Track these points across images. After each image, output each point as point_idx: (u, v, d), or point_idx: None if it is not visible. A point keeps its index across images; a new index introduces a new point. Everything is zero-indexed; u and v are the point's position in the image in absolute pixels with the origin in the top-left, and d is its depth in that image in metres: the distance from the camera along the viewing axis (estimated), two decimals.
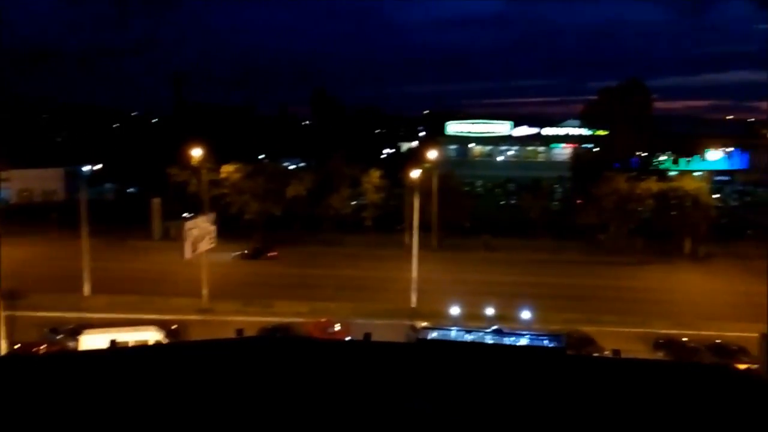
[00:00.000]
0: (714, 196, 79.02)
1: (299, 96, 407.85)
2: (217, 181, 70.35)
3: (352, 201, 77.53)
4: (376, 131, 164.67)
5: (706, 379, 26.81)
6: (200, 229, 51.92)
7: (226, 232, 63.20)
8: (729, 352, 39.31)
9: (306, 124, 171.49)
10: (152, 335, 40.47)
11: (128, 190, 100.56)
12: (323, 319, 45.76)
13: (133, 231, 73.40)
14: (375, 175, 76.27)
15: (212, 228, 53.46)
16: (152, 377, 17.72)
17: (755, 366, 33.41)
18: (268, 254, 67.04)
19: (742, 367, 35.75)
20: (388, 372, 25.85)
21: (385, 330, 41.68)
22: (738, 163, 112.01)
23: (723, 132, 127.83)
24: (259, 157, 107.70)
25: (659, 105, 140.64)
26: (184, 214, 62.25)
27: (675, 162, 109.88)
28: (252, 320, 45.47)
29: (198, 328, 44.99)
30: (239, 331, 38.87)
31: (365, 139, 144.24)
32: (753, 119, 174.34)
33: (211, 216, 54.34)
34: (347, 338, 41.88)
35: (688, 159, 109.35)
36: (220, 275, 54.93)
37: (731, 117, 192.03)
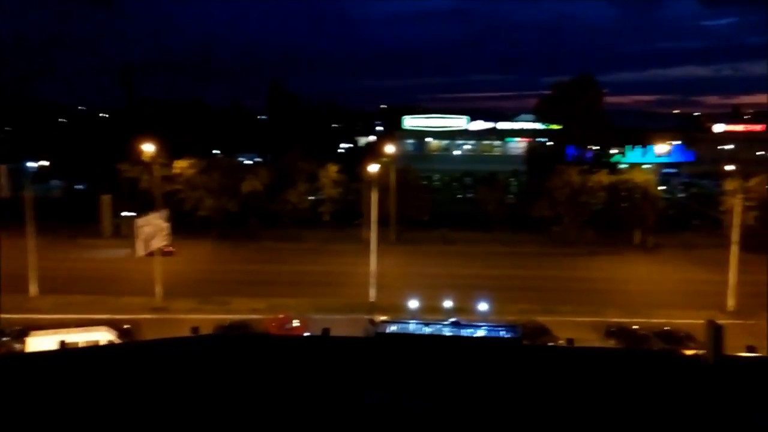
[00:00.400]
0: (661, 188, 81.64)
1: (254, 90, 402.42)
2: (170, 177, 68.75)
3: (310, 196, 77.01)
4: (333, 126, 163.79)
5: (654, 365, 27.78)
6: (153, 226, 50.68)
7: (181, 229, 61.92)
8: (677, 338, 40.69)
9: (261, 119, 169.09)
10: (104, 335, 39.31)
11: (76, 187, 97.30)
12: (281, 315, 45.34)
13: (83, 229, 71.16)
14: (332, 170, 75.90)
15: (165, 225, 52.24)
16: (104, 377, 17.18)
17: (701, 351, 34.69)
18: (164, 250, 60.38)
19: (689, 352, 37.13)
20: (346, 366, 25.82)
21: (344, 325, 41.66)
22: (684, 155, 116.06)
23: (670, 125, 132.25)
24: (213, 152, 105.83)
25: (610, 99, 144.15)
26: (124, 212, 60.26)
27: (624, 155, 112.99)
28: (208, 318, 44.77)
29: (152, 328, 43.93)
30: (194, 329, 38.24)
31: (322, 133, 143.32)
32: (698, 113, 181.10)
33: (164, 213, 53.08)
34: (305, 334, 41.68)
35: (636, 150, 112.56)
36: (174, 274, 53.83)
37: (677, 111, 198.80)
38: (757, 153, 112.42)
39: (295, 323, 43.98)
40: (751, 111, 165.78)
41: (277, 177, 75.25)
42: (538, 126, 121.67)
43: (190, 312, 47.37)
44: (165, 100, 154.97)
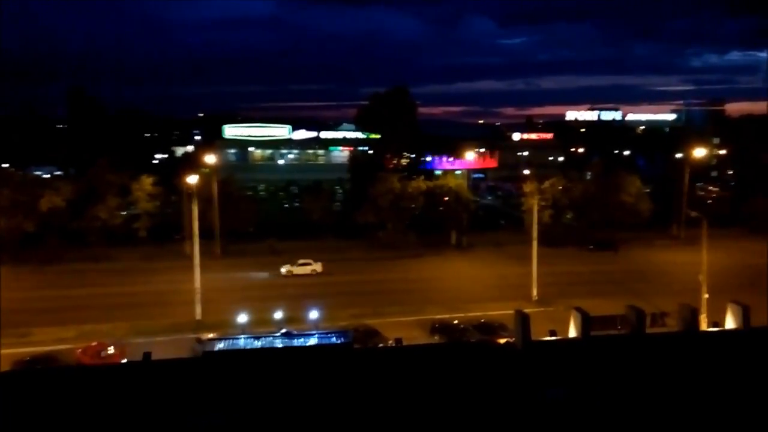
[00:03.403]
0: (472, 192, 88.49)
1: (53, 97, 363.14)
2: None
3: (123, 211, 71.15)
4: (147, 135, 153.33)
5: (472, 355, 29.83)
6: None
7: None
8: (492, 328, 44.19)
9: (60, 128, 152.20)
10: None
11: None
12: (94, 343, 41.12)
13: None
14: (147, 182, 70.92)
15: None
16: None
17: (512, 339, 38.05)
18: None
19: (501, 341, 40.53)
20: (170, 391, 24.06)
21: (168, 346, 38.96)
22: (489, 162, 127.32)
23: (476, 134, 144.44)
24: (3, 165, 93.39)
25: (422, 110, 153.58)
26: None
27: (439, 162, 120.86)
28: (5, 353, 39.01)
29: None
30: None
31: (134, 143, 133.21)
32: (499, 123, 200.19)
33: None
34: (123, 360, 38.36)
35: (449, 159, 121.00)
36: None
37: (482, 121, 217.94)
38: (549, 158, 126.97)
39: (111, 350, 40.18)
40: (542, 121, 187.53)
41: (83, 192, 68.41)
42: (359, 135, 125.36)
43: None
44: None
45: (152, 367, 28.89)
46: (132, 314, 48.93)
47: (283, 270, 62.45)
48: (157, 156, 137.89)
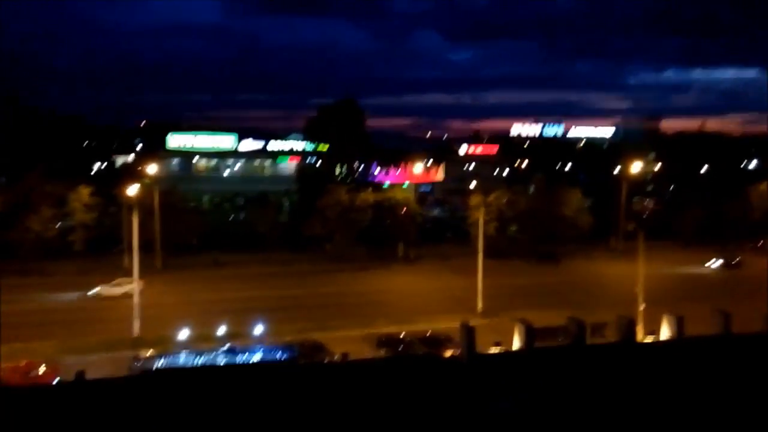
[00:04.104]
0: (420, 204, 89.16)
1: None
2: None
3: (58, 222, 68.23)
4: (85, 144, 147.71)
5: (417, 368, 29.87)
6: None
7: None
8: (438, 341, 44.37)
9: None
10: None
11: None
12: (22, 363, 38.98)
13: None
14: (84, 193, 68.29)
15: None
16: None
17: (458, 352, 38.36)
18: None
19: (447, 354, 40.80)
20: (107, 411, 23.02)
21: (104, 364, 37.42)
22: (436, 175, 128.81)
23: (424, 147, 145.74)
24: None
25: (371, 122, 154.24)
26: None
27: (387, 174, 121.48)
28: None
29: None
30: None
31: (70, 152, 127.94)
32: (446, 136, 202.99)
33: None
34: (56, 380, 36.55)
35: (397, 171, 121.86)
36: None
37: (430, 134, 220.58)
38: (494, 172, 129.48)
39: (42, 370, 38.20)
40: (488, 135, 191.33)
41: (14, 202, 65.24)
42: (308, 146, 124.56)
43: None
44: None
45: (86, 386, 27.66)
46: (65, 331, 46.78)
47: (95, 291, 56.69)
48: (97, 165, 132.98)
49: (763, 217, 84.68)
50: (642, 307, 46.75)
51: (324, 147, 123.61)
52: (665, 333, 34.03)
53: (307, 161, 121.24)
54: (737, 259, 72.79)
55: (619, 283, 58.21)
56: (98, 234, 69.44)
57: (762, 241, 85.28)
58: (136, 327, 46.58)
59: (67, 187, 68.65)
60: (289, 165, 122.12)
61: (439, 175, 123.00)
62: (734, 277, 64.78)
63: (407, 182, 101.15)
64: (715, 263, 71.57)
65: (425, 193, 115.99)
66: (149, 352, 39.08)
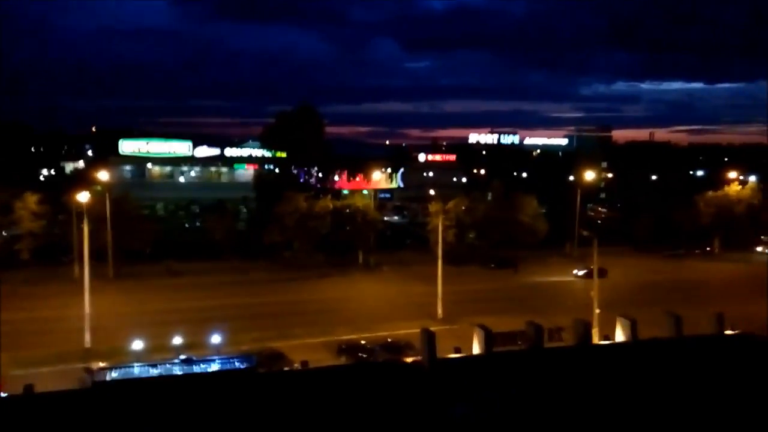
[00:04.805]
0: (379, 211, 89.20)
1: None
2: None
3: (3, 231, 65.55)
4: (32, 150, 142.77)
5: (378, 375, 29.71)
6: None
7: None
8: (398, 348, 44.36)
9: None
10: None
11: None
12: None
13: None
14: (31, 200, 65.83)
15: None
16: None
17: (419, 358, 38.39)
18: None
19: (408, 360, 40.74)
20: (57, 425, 22.09)
21: (54, 378, 35.94)
22: (395, 182, 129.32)
23: (383, 155, 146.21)
24: None
25: (330, 130, 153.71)
26: None
27: (346, 181, 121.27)
28: None
29: None
30: None
31: (16, 159, 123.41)
32: (404, 144, 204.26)
33: None
34: (2, 395, 34.93)
35: (356, 179, 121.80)
36: None
37: (388, 142, 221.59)
38: (453, 179, 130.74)
39: None
40: (446, 143, 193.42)
41: None
42: (265, 153, 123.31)
43: None
44: None
45: (35, 400, 26.51)
46: (11, 343, 44.67)
47: None
48: (44, 172, 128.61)
49: (709, 223, 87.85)
50: (597, 311, 47.78)
51: (282, 154, 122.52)
52: (619, 336, 34.84)
53: (265, 168, 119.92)
54: (588, 268, 67.01)
55: (576, 288, 59.62)
56: (47, 243, 67.00)
57: (708, 246, 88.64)
58: (87, 338, 45.04)
59: (13, 195, 66.04)
60: (247, 172, 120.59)
61: (398, 182, 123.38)
62: (588, 285, 58.25)
63: (366, 189, 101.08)
64: (580, 272, 69.58)
65: (385, 200, 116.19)
66: (101, 364, 37.78)
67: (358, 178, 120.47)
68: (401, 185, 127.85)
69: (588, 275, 61.86)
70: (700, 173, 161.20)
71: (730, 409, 24.31)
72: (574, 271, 71.33)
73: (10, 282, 60.90)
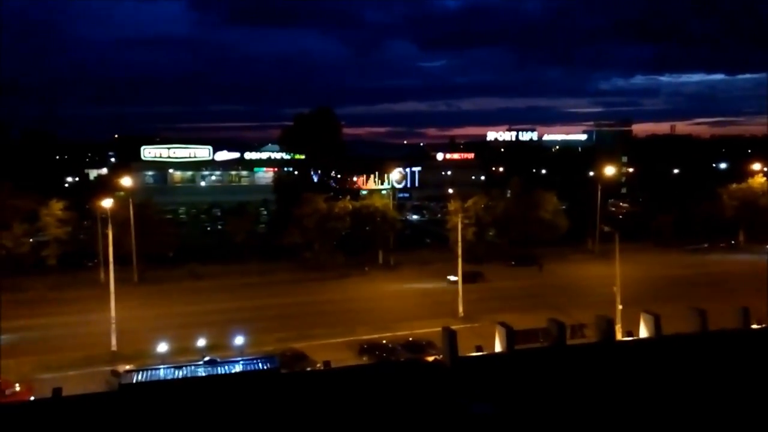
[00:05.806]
0: (398, 211, 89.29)
1: None
2: None
3: (30, 238, 66.86)
4: (56, 158, 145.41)
5: (400, 374, 29.79)
6: None
7: None
8: (420, 347, 44.41)
9: None
10: None
11: None
12: None
13: None
14: (57, 207, 67.06)
15: None
16: None
17: (440, 356, 38.39)
18: None
19: (430, 359, 40.76)
20: (85, 427, 22.54)
21: (82, 381, 36.84)
22: (414, 181, 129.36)
23: (401, 155, 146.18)
24: None
25: (347, 131, 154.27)
26: None
27: (365, 182, 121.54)
28: None
29: None
30: None
31: (41, 166, 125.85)
32: (422, 143, 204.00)
33: None
34: (31, 398, 35.72)
35: (375, 179, 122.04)
36: None
37: (406, 141, 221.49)
38: (471, 177, 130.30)
39: (17, 388, 37.37)
40: (464, 141, 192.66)
41: None
42: (284, 156, 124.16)
43: None
44: None
45: (63, 403, 27.04)
46: (39, 348, 45.78)
47: None
48: (69, 179, 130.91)
49: (734, 216, 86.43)
50: (620, 307, 47.32)
51: (301, 156, 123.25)
52: (643, 332, 34.46)
53: (284, 171, 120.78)
54: (476, 273, 66.63)
55: (597, 284, 58.99)
56: (73, 248, 68.21)
57: (733, 240, 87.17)
58: (114, 342, 45.82)
59: (39, 202, 67.37)
60: (266, 175, 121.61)
61: (416, 181, 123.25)
62: (456, 291, 55.89)
63: (385, 189, 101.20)
64: (454, 277, 60.83)
65: (404, 199, 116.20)
66: (127, 367, 38.42)
67: (376, 178, 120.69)
68: (420, 185, 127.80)
69: (466, 279, 57.63)
70: (723, 166, 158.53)
71: (757, 404, 23.96)
72: (449, 277, 64.52)
73: (37, 288, 62.33)
